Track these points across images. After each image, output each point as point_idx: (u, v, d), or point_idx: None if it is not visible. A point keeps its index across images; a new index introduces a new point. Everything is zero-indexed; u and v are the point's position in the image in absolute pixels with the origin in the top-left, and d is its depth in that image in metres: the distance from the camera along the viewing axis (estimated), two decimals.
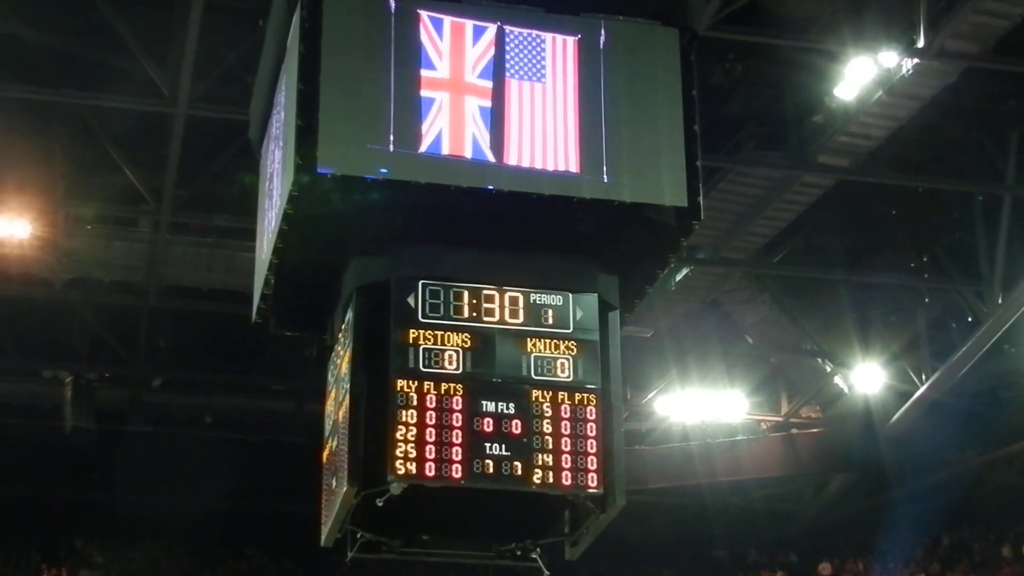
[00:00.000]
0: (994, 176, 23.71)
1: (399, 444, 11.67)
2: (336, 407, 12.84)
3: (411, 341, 12.04)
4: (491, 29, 12.71)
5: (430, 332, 12.11)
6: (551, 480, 11.92)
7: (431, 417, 11.79)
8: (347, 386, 12.24)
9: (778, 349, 29.29)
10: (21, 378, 28.70)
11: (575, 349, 12.38)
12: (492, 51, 12.64)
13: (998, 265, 24.36)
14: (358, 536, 12.71)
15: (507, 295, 12.40)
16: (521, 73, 12.64)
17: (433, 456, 11.69)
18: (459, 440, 11.79)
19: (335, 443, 12.64)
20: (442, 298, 12.25)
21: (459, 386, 11.96)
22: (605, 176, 12.57)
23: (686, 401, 30.19)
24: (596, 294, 12.69)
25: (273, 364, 28.81)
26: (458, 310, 12.25)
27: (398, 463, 11.62)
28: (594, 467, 12.03)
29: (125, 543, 31.15)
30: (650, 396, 30.45)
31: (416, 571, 15.44)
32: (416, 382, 11.90)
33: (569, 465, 11.97)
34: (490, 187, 12.34)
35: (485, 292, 12.36)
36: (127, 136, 22.13)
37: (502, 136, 12.46)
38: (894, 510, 30.05)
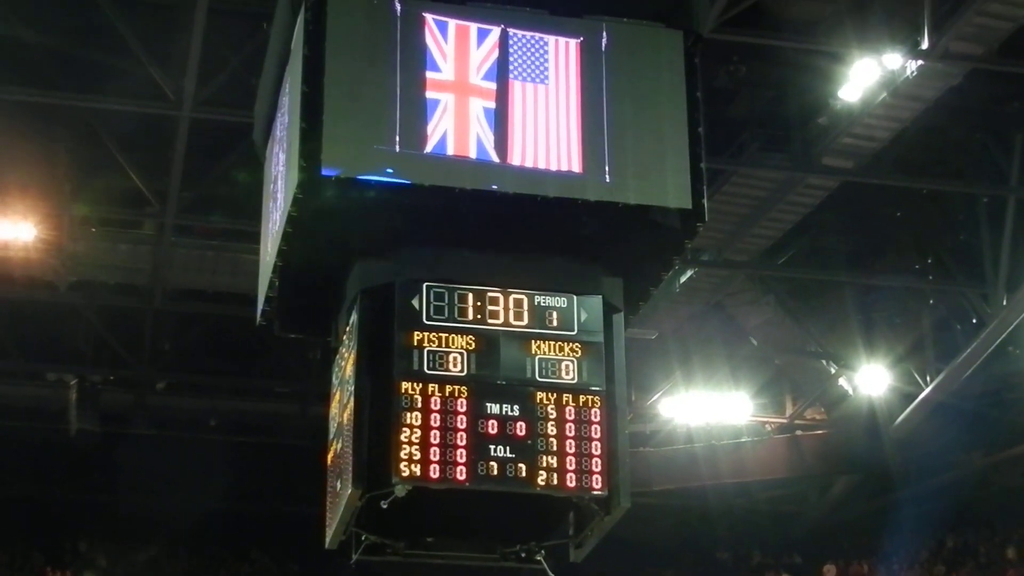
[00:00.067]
0: (998, 178, 23.72)
1: (403, 446, 11.66)
2: (340, 409, 12.83)
3: (415, 343, 12.03)
4: (495, 32, 12.73)
5: (434, 334, 12.09)
6: (555, 482, 11.91)
7: (435, 419, 11.77)
8: (351, 388, 12.24)
9: (782, 351, 29.31)
10: (25, 381, 28.77)
11: (579, 351, 12.37)
12: (496, 53, 12.67)
13: (1002, 267, 24.36)
14: (362, 538, 12.69)
15: (511, 297, 12.40)
16: (524, 75, 12.67)
17: (437, 458, 11.67)
18: (463, 442, 11.77)
19: (339, 445, 12.64)
20: (446, 300, 12.24)
21: (463, 388, 11.95)
22: (607, 176, 12.56)
23: (690, 403, 30.21)
24: (600, 296, 12.67)
25: (277, 367, 28.86)
26: (462, 312, 12.24)
27: (402, 465, 11.61)
28: (598, 469, 12.01)
29: (129, 545, 31.17)
30: (654, 398, 30.46)
31: (420, 573, 15.38)
32: (420, 384, 11.88)
33: (573, 467, 11.96)
34: (494, 186, 12.34)
35: (489, 294, 12.35)
36: (131, 139, 22.18)
37: (506, 137, 12.48)
38: (899, 512, 30.03)
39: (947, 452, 29.14)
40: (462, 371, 12.02)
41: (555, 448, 11.97)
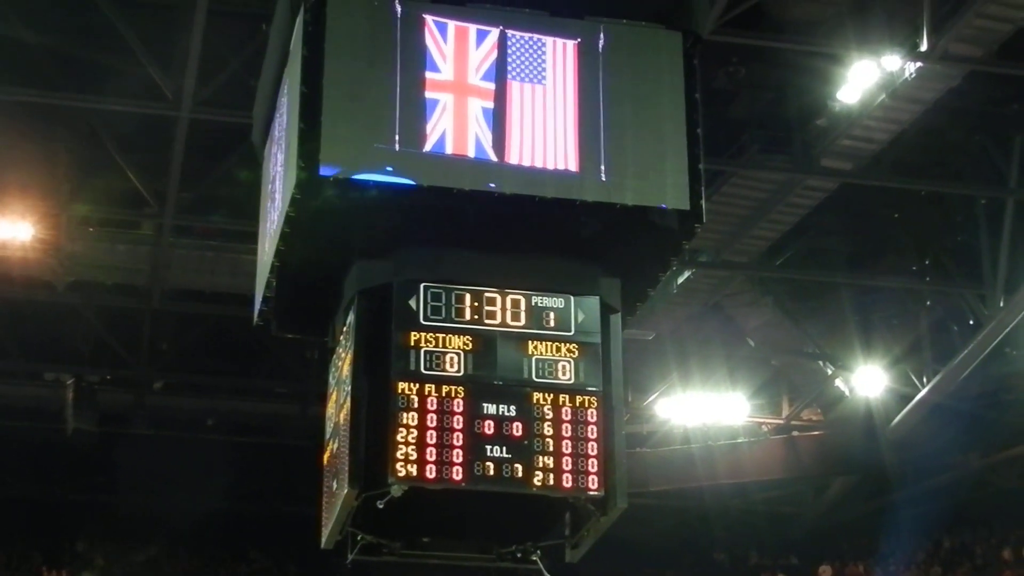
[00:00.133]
0: (997, 179, 23.73)
1: (400, 446, 11.69)
2: (337, 409, 12.86)
3: (412, 344, 12.06)
4: (493, 33, 12.81)
5: (431, 335, 12.13)
6: (552, 482, 11.94)
7: (432, 419, 11.81)
8: (348, 389, 12.26)
9: (780, 352, 29.32)
10: (23, 380, 28.77)
11: (576, 352, 12.40)
12: (494, 54, 12.74)
13: (1000, 268, 24.37)
14: (359, 538, 12.72)
15: (509, 298, 12.43)
16: (522, 75, 12.74)
17: (434, 458, 11.70)
18: (460, 442, 11.80)
19: (336, 445, 12.66)
20: (444, 301, 12.27)
21: (460, 388, 11.98)
22: (603, 175, 12.60)
23: (688, 404, 30.22)
24: (598, 297, 12.71)
25: (275, 367, 28.87)
26: (460, 313, 12.28)
27: (399, 465, 11.64)
28: (595, 470, 12.04)
29: (127, 545, 31.16)
30: (652, 399, 30.47)
31: (417, 573, 15.40)
32: (417, 384, 11.92)
33: (570, 467, 11.99)
34: (492, 185, 12.38)
35: (487, 295, 12.39)
36: (130, 139, 22.18)
37: (504, 136, 12.55)
38: (895, 513, 30.05)
39: (944, 453, 29.15)
40: (459, 371, 12.05)
41: (551, 448, 12.00)
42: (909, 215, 25.91)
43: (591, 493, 12.07)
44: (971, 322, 26.29)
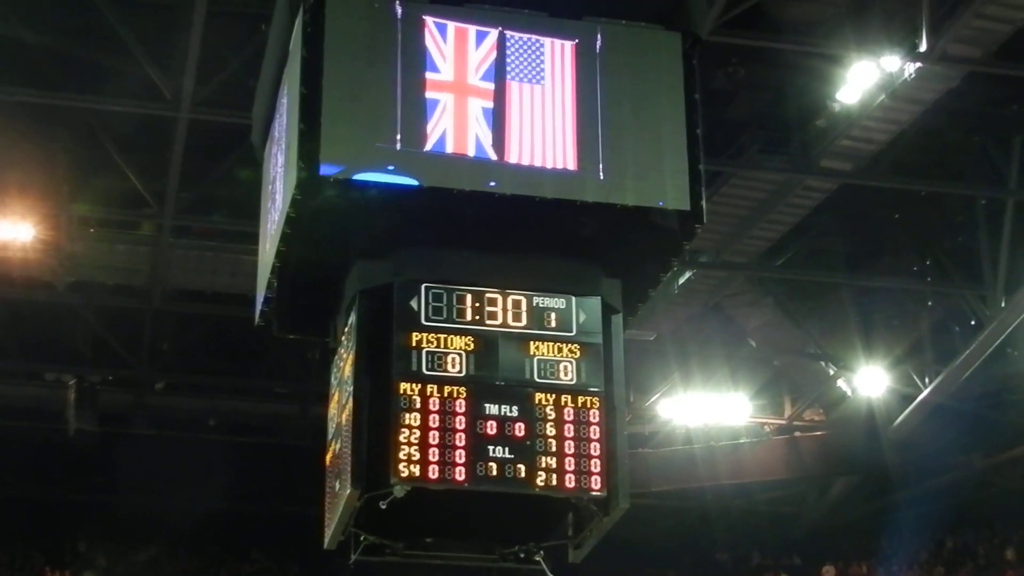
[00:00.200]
0: (997, 180, 23.74)
1: (402, 447, 11.69)
2: (339, 410, 12.86)
3: (414, 344, 12.06)
4: (493, 34, 12.84)
5: (433, 335, 12.13)
6: (554, 483, 11.93)
7: (434, 420, 11.80)
8: (350, 389, 12.26)
9: (781, 352, 29.32)
10: (24, 381, 28.78)
11: (578, 352, 12.40)
12: (494, 55, 12.78)
13: (1001, 269, 24.38)
14: (361, 539, 12.71)
15: (510, 298, 12.43)
16: (521, 76, 12.79)
17: (436, 459, 11.70)
18: (462, 443, 11.79)
19: (338, 446, 12.66)
20: (445, 301, 12.28)
21: (462, 389, 11.98)
22: (601, 174, 12.63)
23: (689, 404, 30.22)
24: (599, 297, 12.71)
25: (276, 367, 28.89)
26: (461, 313, 12.28)
27: (401, 466, 11.63)
28: (597, 470, 12.04)
29: (128, 545, 31.18)
30: (653, 399, 30.47)
31: (419, 573, 15.42)
32: (419, 385, 11.91)
33: (572, 468, 11.98)
34: (492, 183, 12.41)
35: (488, 295, 12.39)
36: (130, 139, 22.19)
37: (503, 135, 12.58)
38: (898, 513, 30.06)
39: (946, 454, 29.15)
40: (461, 372, 12.05)
41: (554, 449, 11.99)
42: (909, 215, 25.91)
43: (593, 493, 12.06)
44: (972, 322, 26.31)
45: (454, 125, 12.49)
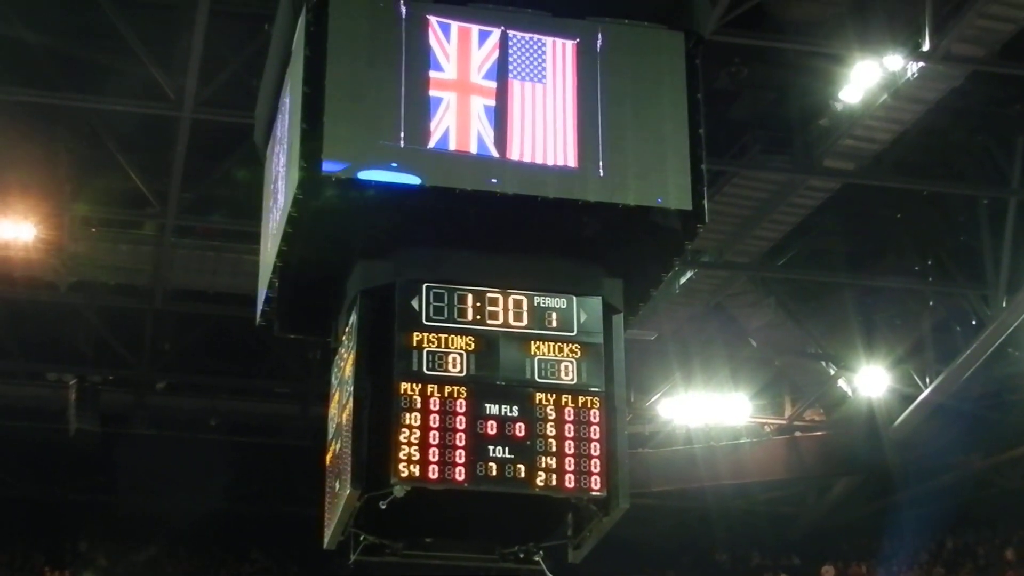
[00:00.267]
0: (999, 180, 23.73)
1: (402, 447, 11.68)
2: (340, 410, 12.86)
3: (415, 344, 12.06)
4: (495, 33, 12.88)
5: (434, 335, 12.13)
6: (554, 483, 11.93)
7: (434, 420, 11.80)
8: (351, 389, 12.26)
9: (782, 352, 29.31)
10: (25, 381, 28.77)
11: (579, 352, 12.39)
12: (496, 54, 12.83)
13: (1003, 269, 24.36)
14: (361, 539, 12.70)
15: (511, 298, 12.43)
16: (523, 74, 12.84)
17: (436, 459, 11.69)
18: (462, 443, 11.79)
19: (338, 446, 12.66)
20: (446, 301, 12.28)
21: (463, 389, 11.98)
22: (601, 171, 12.64)
23: (690, 404, 30.21)
24: (600, 297, 12.71)
25: (277, 367, 28.89)
26: (462, 313, 12.28)
27: (401, 466, 11.63)
28: (597, 470, 12.03)
29: (129, 545, 31.19)
30: (654, 399, 30.46)
31: (419, 573, 15.41)
32: (420, 385, 11.91)
33: (572, 468, 11.98)
34: (494, 180, 12.42)
35: (489, 295, 12.39)
36: (132, 139, 22.19)
37: (505, 133, 12.63)
38: (898, 513, 30.05)
39: (947, 454, 29.15)
40: (461, 372, 12.05)
41: (554, 449, 11.99)
42: (911, 215, 25.91)
43: (593, 493, 12.06)
44: (974, 322, 26.29)
45: (457, 123, 12.53)
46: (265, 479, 31.38)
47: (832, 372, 29.40)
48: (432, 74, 12.60)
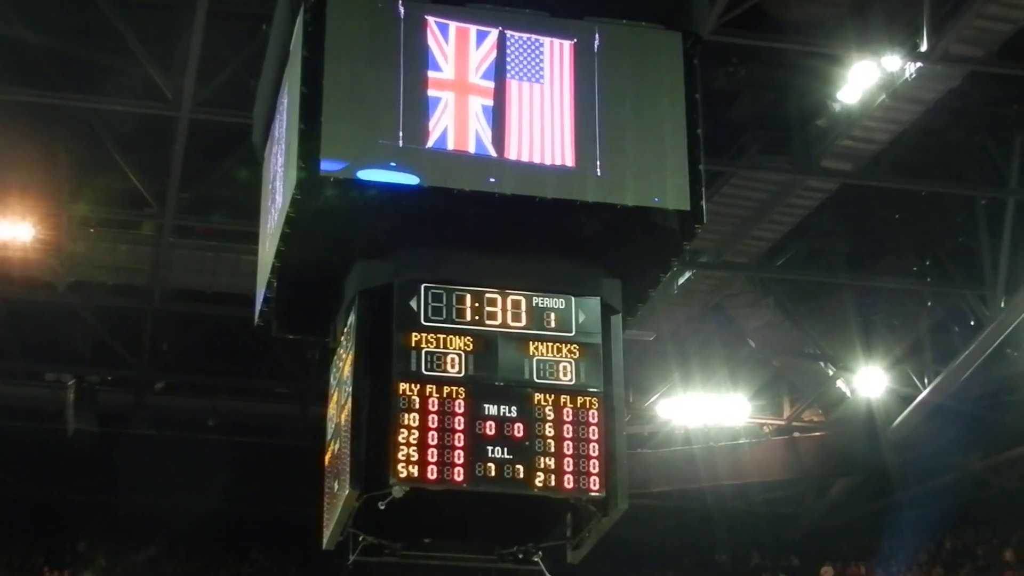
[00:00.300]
0: (997, 180, 23.73)
1: (401, 447, 11.68)
2: (338, 410, 12.86)
3: (413, 344, 12.06)
4: (493, 34, 12.90)
5: (432, 335, 12.13)
6: (553, 483, 11.92)
7: (433, 420, 11.80)
8: (349, 389, 12.26)
9: (781, 353, 29.30)
10: (24, 381, 28.77)
11: (577, 352, 12.39)
12: (494, 54, 12.85)
13: (1001, 269, 24.36)
14: (360, 539, 12.70)
15: (509, 298, 12.44)
16: (521, 74, 12.86)
17: (435, 459, 11.69)
18: (461, 443, 11.79)
19: (337, 446, 12.66)
20: (444, 301, 12.28)
21: (461, 389, 11.97)
22: (599, 170, 12.65)
23: (689, 405, 30.22)
24: (599, 297, 12.70)
25: (276, 367, 28.89)
26: (460, 313, 12.28)
27: (400, 466, 11.63)
28: (596, 470, 12.03)
29: (128, 546, 31.19)
30: (653, 400, 30.46)
31: (418, 574, 15.41)
32: (418, 385, 11.91)
33: (571, 468, 11.98)
34: (492, 179, 12.44)
35: (487, 295, 12.40)
36: (131, 139, 22.19)
37: (503, 132, 12.64)
38: (897, 514, 30.05)
39: (945, 454, 29.14)
40: (460, 372, 12.04)
41: (553, 449, 11.98)
42: (909, 216, 25.91)
43: (592, 494, 12.05)
44: (972, 323, 26.29)
45: (455, 122, 12.54)
46: (265, 479, 31.38)
47: (831, 372, 29.41)
48: (430, 74, 12.61)
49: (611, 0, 13.17)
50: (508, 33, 12.91)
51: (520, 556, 13.00)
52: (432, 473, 11.67)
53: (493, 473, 11.79)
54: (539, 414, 12.07)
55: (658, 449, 31.45)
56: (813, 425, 31.38)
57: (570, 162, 12.68)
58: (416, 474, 11.64)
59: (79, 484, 31.16)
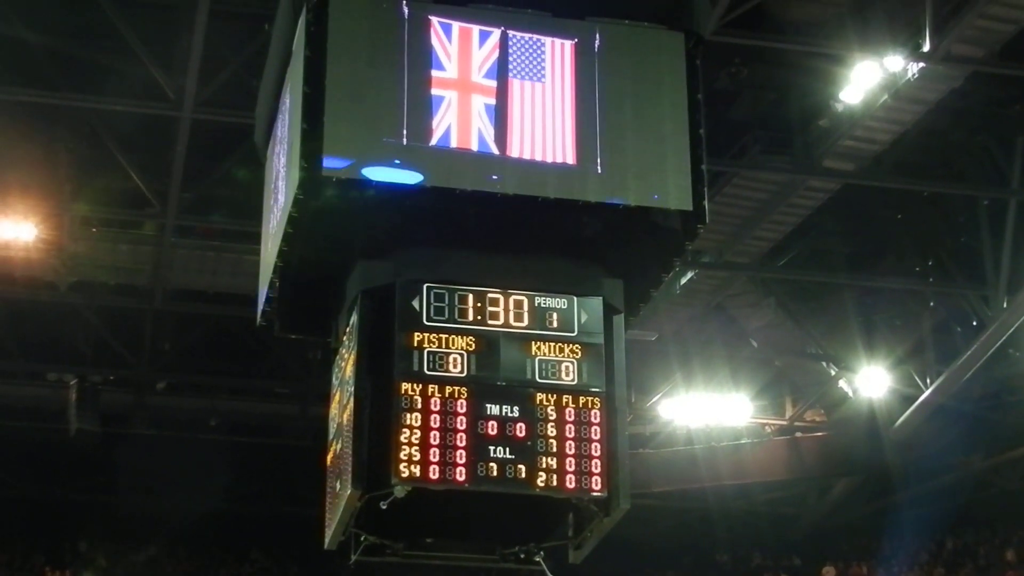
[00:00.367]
0: (999, 180, 23.71)
1: (403, 447, 11.68)
2: (340, 410, 12.85)
3: (415, 344, 12.06)
4: (495, 33, 12.94)
5: (434, 335, 12.12)
6: (555, 483, 11.92)
7: (435, 420, 11.79)
8: (351, 389, 12.26)
9: (782, 353, 29.30)
10: (25, 381, 28.78)
11: (580, 352, 12.39)
12: (496, 53, 12.89)
13: (1003, 269, 24.35)
14: (361, 539, 12.70)
15: (512, 298, 12.43)
16: (523, 73, 12.90)
17: (437, 459, 11.69)
18: (463, 443, 11.79)
19: (339, 446, 12.66)
20: (447, 301, 12.28)
21: (463, 389, 11.97)
22: (599, 168, 12.67)
23: (690, 405, 30.22)
24: (601, 297, 12.70)
25: (277, 367, 28.89)
26: (463, 313, 12.28)
27: (402, 466, 11.62)
28: (598, 470, 12.03)
29: (129, 545, 31.20)
30: (654, 400, 30.47)
31: (419, 574, 15.42)
32: (420, 385, 11.91)
33: (573, 468, 11.97)
34: (494, 177, 12.45)
35: (490, 295, 12.39)
36: (132, 139, 22.19)
37: (505, 131, 12.68)
38: (898, 514, 30.06)
39: (947, 454, 29.14)
40: (462, 372, 12.04)
41: (555, 449, 11.98)
42: (911, 216, 25.90)
43: (594, 494, 12.05)
44: (974, 323, 26.28)
45: (458, 121, 12.58)
46: (265, 479, 31.39)
47: (832, 373, 29.40)
48: (434, 73, 12.65)
49: (613, 0, 13.19)
50: (510, 33, 12.94)
51: (522, 556, 12.99)
52: (434, 473, 11.67)
53: (495, 473, 11.79)
54: (541, 414, 12.06)
55: (660, 449, 31.45)
56: (815, 425, 31.37)
57: (571, 160, 12.70)
58: (418, 474, 11.64)
59: (80, 484, 31.18)
